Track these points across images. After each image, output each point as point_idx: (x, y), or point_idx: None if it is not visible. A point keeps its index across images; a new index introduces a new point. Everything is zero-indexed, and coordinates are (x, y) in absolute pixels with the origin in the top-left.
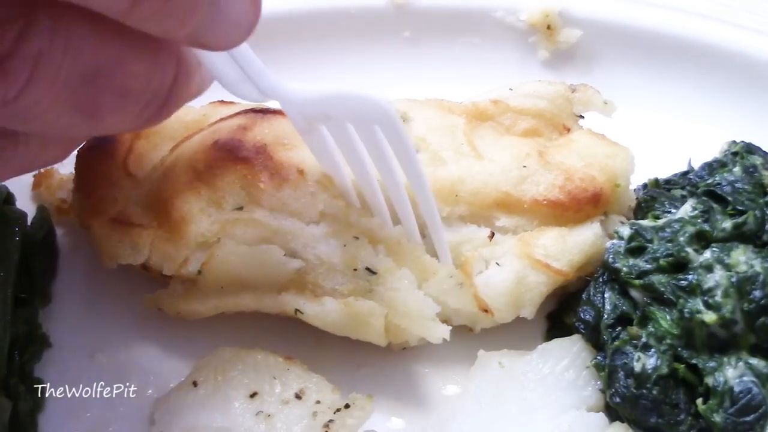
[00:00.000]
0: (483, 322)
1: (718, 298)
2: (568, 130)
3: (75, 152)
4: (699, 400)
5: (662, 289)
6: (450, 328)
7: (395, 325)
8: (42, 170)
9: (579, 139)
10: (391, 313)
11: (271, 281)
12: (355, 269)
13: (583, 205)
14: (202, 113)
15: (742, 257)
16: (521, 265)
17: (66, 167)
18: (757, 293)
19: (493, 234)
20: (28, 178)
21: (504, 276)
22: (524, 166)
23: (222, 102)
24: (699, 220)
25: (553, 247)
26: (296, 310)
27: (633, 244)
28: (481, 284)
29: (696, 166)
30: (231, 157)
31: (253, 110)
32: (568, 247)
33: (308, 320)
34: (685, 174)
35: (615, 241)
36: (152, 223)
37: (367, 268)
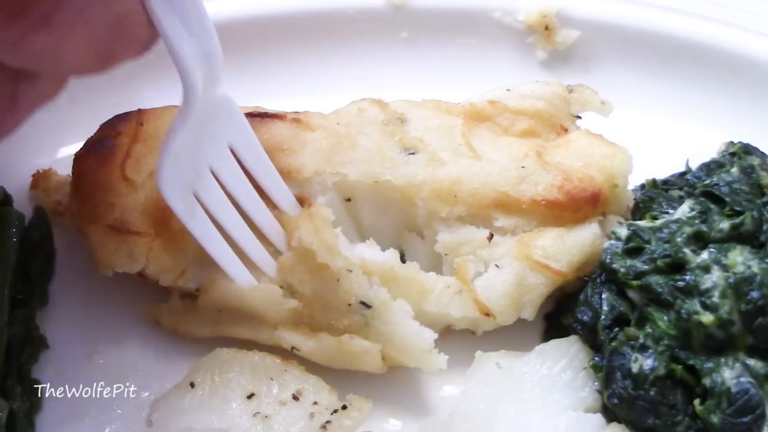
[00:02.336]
0: (485, 324)
1: (715, 299)
2: (566, 130)
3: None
4: (696, 401)
5: (660, 289)
6: (447, 357)
7: (392, 357)
8: (40, 171)
9: (577, 140)
10: (387, 346)
11: (268, 316)
12: (350, 304)
13: (581, 205)
14: None
15: (740, 258)
16: (520, 266)
17: (64, 169)
18: (755, 294)
19: (491, 235)
20: (25, 179)
21: (503, 278)
22: (522, 167)
23: None
24: (696, 221)
25: (552, 248)
26: (292, 348)
27: (630, 244)
28: (480, 287)
29: (694, 166)
30: None
31: (251, 114)
32: (567, 247)
33: (305, 356)
34: (682, 175)
35: (612, 241)
36: (150, 230)
37: (362, 302)
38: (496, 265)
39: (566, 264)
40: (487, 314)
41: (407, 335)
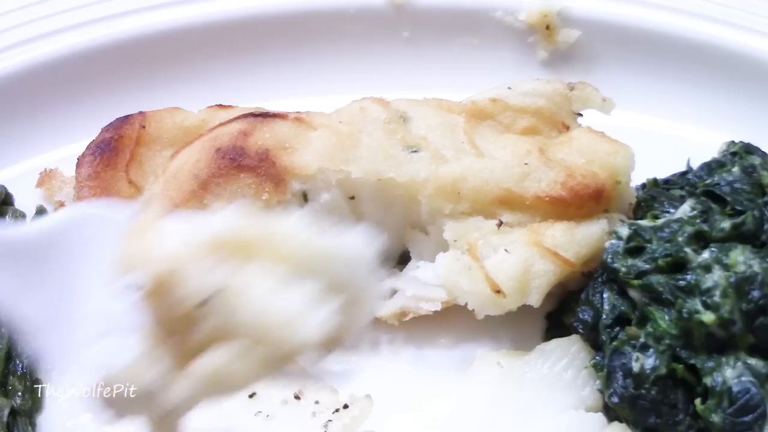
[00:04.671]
0: (488, 307)
1: (716, 298)
2: (567, 128)
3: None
4: (697, 401)
5: (661, 289)
6: (324, 316)
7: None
8: (47, 170)
9: (579, 137)
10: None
11: None
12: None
13: (585, 201)
14: (201, 118)
15: (741, 257)
16: (530, 252)
17: (69, 169)
18: (756, 293)
19: (501, 223)
20: (27, 178)
21: (512, 262)
22: (525, 164)
23: (220, 106)
24: (698, 220)
25: (562, 238)
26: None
27: (632, 244)
28: (489, 269)
29: (695, 166)
30: (234, 166)
31: (253, 114)
32: (577, 239)
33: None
34: (683, 174)
35: (614, 241)
36: None
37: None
38: (506, 250)
39: (574, 255)
40: (498, 291)
41: (272, 309)
